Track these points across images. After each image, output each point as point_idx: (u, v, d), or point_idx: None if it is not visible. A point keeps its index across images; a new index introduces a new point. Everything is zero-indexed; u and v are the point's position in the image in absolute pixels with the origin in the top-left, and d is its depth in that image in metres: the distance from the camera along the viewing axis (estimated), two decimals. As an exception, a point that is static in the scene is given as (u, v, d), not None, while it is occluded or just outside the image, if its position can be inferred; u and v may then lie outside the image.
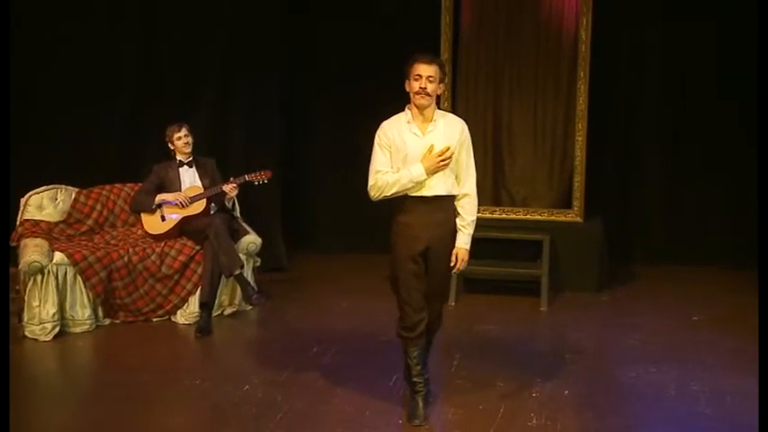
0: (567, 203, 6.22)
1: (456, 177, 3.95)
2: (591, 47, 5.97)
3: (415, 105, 3.89)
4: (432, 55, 4.01)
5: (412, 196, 3.88)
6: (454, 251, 3.94)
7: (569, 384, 4.45)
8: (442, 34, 6.13)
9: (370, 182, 3.94)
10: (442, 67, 3.93)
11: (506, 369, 4.65)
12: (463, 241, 3.94)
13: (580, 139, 6.10)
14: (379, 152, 3.94)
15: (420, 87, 3.84)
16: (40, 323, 5.11)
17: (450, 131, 3.91)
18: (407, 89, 3.91)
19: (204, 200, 5.55)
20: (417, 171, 3.83)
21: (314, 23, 6.90)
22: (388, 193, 3.89)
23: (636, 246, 6.78)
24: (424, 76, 3.84)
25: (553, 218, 6.18)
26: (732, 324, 5.40)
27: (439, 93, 3.95)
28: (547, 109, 6.22)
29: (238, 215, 5.89)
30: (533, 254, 5.97)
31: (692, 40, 6.49)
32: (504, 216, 6.22)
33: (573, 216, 6.18)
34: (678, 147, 6.67)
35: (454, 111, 5.81)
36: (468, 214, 3.96)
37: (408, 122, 3.92)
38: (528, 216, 6.20)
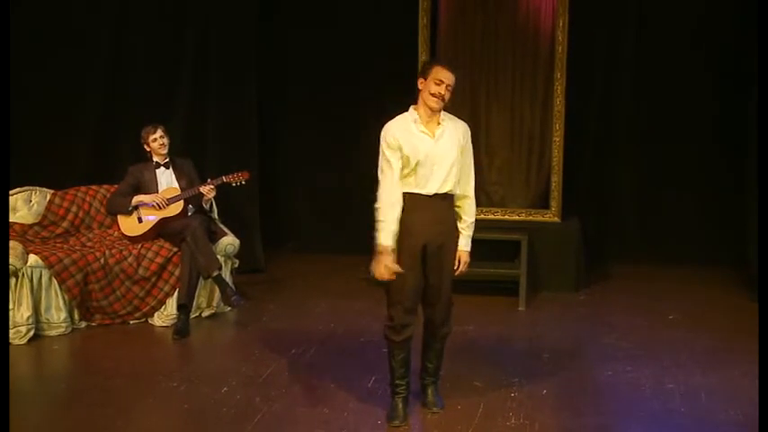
0: (544, 204, 6.25)
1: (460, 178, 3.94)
2: (567, 48, 6.01)
3: (428, 107, 3.87)
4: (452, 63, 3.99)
5: (413, 193, 3.87)
6: (457, 254, 3.94)
7: (547, 383, 4.47)
8: (420, 35, 6.15)
9: (379, 199, 3.84)
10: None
11: (484, 369, 4.67)
12: (464, 243, 3.96)
13: (557, 139, 6.14)
14: (389, 157, 3.82)
15: (439, 93, 3.83)
16: (15, 327, 5.05)
17: (456, 135, 3.92)
18: (420, 87, 3.88)
19: (181, 201, 5.52)
20: (385, 241, 3.78)
21: (290, 24, 6.88)
22: (377, 216, 3.84)
23: (612, 245, 6.83)
24: (446, 83, 3.84)
25: (531, 218, 6.22)
26: (707, 322, 5.46)
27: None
28: (524, 109, 6.25)
29: (216, 217, 5.86)
30: (511, 254, 5.99)
31: (667, 41, 6.55)
32: (481, 216, 6.15)
33: (550, 216, 6.21)
34: (654, 147, 6.73)
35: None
36: (468, 216, 3.98)
37: (415, 122, 3.89)
38: (506, 216, 6.23)
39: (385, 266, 3.80)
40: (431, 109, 3.88)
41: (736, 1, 6.31)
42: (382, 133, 3.89)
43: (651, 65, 6.62)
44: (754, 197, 5.72)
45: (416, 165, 3.84)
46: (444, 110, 3.94)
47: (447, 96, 3.87)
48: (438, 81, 3.84)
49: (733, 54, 6.42)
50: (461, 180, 3.96)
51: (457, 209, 3.99)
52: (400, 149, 3.83)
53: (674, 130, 6.67)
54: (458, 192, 3.96)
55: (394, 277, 3.82)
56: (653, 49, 6.59)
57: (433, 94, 3.84)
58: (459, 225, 3.97)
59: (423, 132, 3.88)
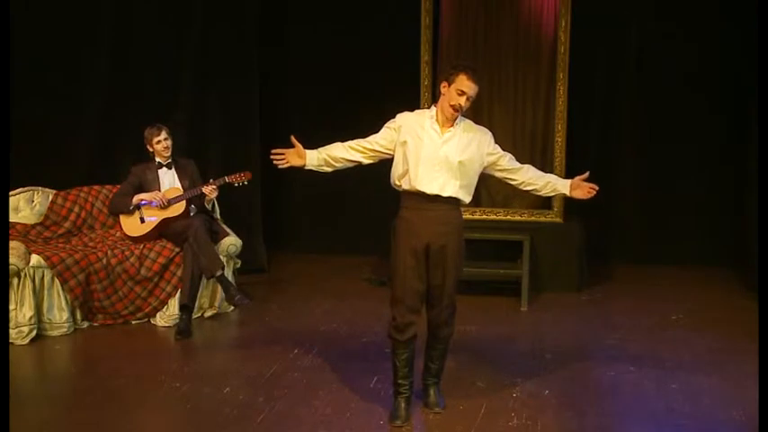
0: (546, 204, 6.25)
1: (468, 186, 3.93)
2: (569, 48, 6.01)
3: (444, 114, 3.89)
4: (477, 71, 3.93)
5: (412, 191, 3.89)
6: (574, 182, 4.14)
7: (549, 384, 4.47)
8: (422, 36, 6.15)
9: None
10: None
11: (487, 369, 4.67)
12: (561, 185, 4.17)
13: (559, 139, 6.14)
14: (380, 132, 3.97)
15: (459, 104, 3.83)
16: (17, 327, 5.05)
17: (468, 140, 3.91)
18: (443, 91, 3.88)
19: (184, 201, 5.52)
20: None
21: (291, 24, 6.88)
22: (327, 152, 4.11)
23: (614, 246, 6.83)
24: (468, 94, 3.84)
25: (533, 218, 6.22)
26: (709, 323, 5.46)
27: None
28: (526, 110, 6.26)
29: (218, 217, 5.87)
30: (514, 254, 5.99)
31: (669, 42, 6.56)
32: (484, 217, 6.25)
33: (553, 217, 6.21)
34: (656, 148, 6.74)
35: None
36: (540, 178, 4.15)
37: (431, 118, 3.92)
38: (508, 217, 6.23)
39: None
40: (446, 117, 3.89)
41: (737, 1, 6.31)
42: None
43: (653, 65, 6.62)
44: (754, 197, 5.72)
45: (418, 161, 3.85)
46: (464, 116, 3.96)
47: (466, 107, 3.86)
48: (460, 91, 3.83)
49: (734, 54, 6.42)
50: (507, 165, 4.03)
51: (528, 186, 4.09)
52: (397, 132, 3.90)
53: (675, 131, 6.68)
54: (466, 198, 3.93)
55: None
56: (654, 50, 6.59)
57: (452, 105, 3.84)
58: (549, 182, 4.14)
59: (433, 130, 3.89)
